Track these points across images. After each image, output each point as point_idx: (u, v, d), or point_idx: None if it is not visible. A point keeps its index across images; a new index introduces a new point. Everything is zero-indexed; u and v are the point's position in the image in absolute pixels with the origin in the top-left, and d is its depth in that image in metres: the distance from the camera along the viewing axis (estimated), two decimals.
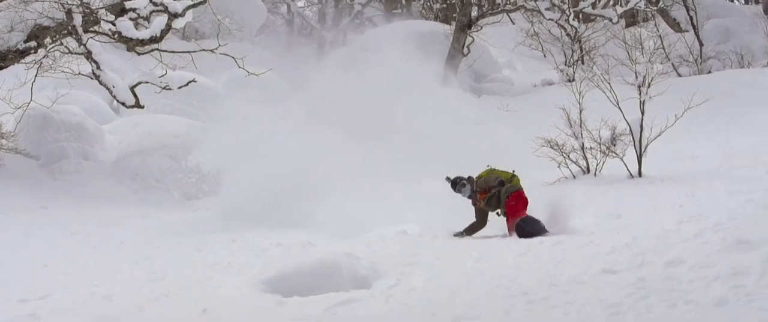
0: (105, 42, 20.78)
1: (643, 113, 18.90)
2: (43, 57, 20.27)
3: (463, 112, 23.37)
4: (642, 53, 20.48)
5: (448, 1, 38.35)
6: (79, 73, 20.89)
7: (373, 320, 8.80)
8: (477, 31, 32.32)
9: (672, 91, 21.31)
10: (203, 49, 20.87)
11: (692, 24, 36.42)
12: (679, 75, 33.39)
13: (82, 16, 19.31)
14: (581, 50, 33.72)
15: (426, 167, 16.89)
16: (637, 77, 19.25)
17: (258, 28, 43.39)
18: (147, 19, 20.20)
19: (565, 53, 34.52)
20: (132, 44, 19.99)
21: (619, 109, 19.20)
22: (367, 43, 33.63)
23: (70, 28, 19.37)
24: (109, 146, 22.87)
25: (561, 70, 32.43)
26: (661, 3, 37.00)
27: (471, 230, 13.63)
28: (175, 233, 16.19)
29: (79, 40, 19.44)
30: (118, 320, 9.60)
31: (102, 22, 19.45)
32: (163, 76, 20.98)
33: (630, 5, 32.91)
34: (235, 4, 37.69)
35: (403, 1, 46.78)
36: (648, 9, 35.25)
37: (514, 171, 13.55)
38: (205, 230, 16.37)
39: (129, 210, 19.16)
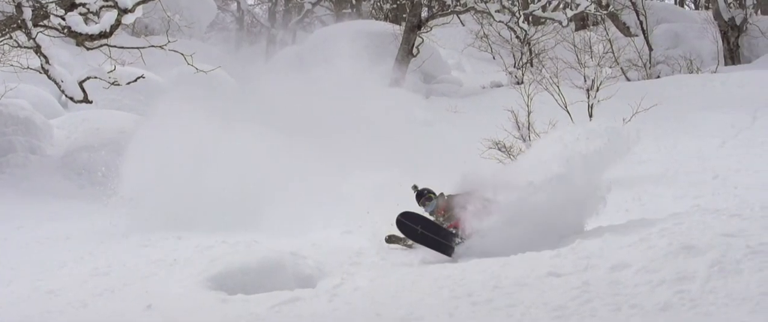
0: (54, 36, 20.64)
1: (590, 117, 19.03)
2: None
3: (412, 113, 23.39)
4: (591, 57, 20.65)
5: (398, 2, 38.35)
6: (28, 67, 20.86)
7: (318, 319, 8.81)
8: (427, 32, 32.30)
9: (620, 95, 21.54)
10: (152, 46, 20.74)
11: (642, 29, 36.60)
12: (628, 79, 33.58)
13: (32, 10, 19.13)
14: (530, 53, 33.79)
15: (373, 167, 16.74)
16: (585, 81, 19.42)
17: (208, 25, 43.37)
18: (97, 14, 20.04)
19: (514, 56, 34.56)
20: (81, 39, 19.82)
21: (568, 112, 19.34)
22: (316, 43, 33.63)
23: (19, 21, 19.17)
24: (57, 141, 22.67)
25: (510, 73, 32.58)
26: (611, 7, 37.25)
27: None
28: (120, 228, 16.01)
29: (28, 34, 19.26)
30: (61, 314, 9.58)
31: (52, 17, 19.27)
32: (111, 71, 20.97)
33: (580, 9, 32.97)
34: (185, 1, 37.58)
35: (353, 1, 46.70)
36: (598, 13, 35.44)
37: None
38: (150, 226, 16.21)
39: (75, 205, 19.08)
